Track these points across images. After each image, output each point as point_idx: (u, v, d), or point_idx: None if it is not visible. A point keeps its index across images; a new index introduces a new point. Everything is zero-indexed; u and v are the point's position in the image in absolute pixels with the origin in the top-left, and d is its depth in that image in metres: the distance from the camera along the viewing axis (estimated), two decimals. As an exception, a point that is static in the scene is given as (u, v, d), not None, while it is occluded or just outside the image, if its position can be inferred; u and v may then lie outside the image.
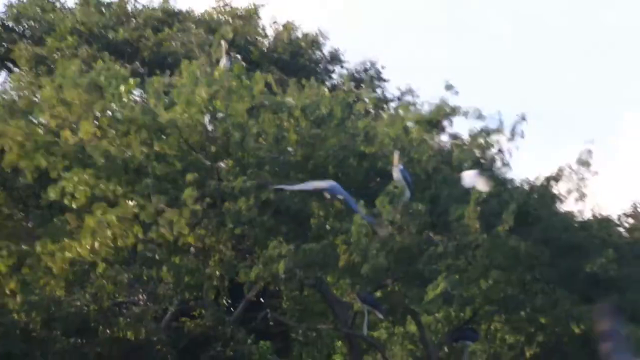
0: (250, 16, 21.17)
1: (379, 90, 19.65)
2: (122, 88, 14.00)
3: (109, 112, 13.77)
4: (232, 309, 16.40)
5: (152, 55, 21.00)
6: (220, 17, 21.66)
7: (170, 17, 22.38)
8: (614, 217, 15.89)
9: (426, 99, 13.92)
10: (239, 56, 19.23)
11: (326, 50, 20.84)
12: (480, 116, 13.77)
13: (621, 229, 16.80)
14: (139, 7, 22.91)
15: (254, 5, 21.37)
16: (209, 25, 21.10)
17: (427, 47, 36.03)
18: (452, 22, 37.06)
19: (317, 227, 12.90)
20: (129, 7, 22.86)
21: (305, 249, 12.30)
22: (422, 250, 12.60)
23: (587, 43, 34.94)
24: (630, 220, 17.15)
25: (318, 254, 12.27)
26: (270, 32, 21.13)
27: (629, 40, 34.88)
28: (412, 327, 15.96)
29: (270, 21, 21.31)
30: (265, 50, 20.47)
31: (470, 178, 12.28)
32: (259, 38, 20.93)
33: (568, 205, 14.18)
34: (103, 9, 22.66)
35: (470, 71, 34.71)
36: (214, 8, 22.07)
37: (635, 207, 17.22)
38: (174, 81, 14.84)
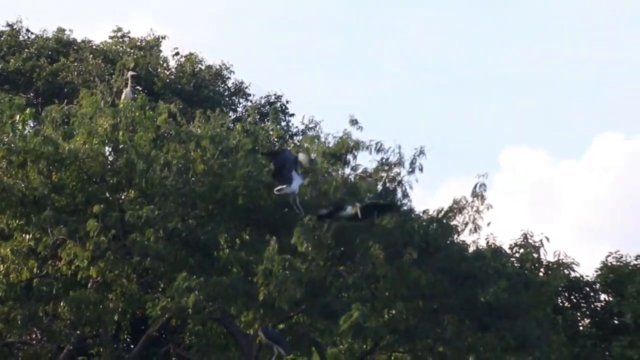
0: (151, 47, 20.96)
1: (283, 123, 19.90)
2: (18, 117, 13.53)
3: (3, 143, 13.26)
4: (132, 345, 15.87)
5: (47, 85, 20.39)
6: (119, 47, 21.33)
7: (65, 47, 21.86)
8: (506, 247, 16.60)
9: (330, 132, 14.20)
10: (139, 87, 18.99)
11: (231, 83, 20.92)
12: (381, 149, 14.14)
13: (512, 259, 17.57)
14: (32, 36, 22.26)
15: (155, 36, 21.20)
16: (107, 55, 20.73)
17: (328, 85, 36.87)
18: (350, 61, 38.12)
19: (225, 260, 12.78)
20: (21, 37, 22.16)
21: (214, 282, 12.14)
22: (329, 282, 12.69)
23: (470, 84, 36.76)
24: (521, 250, 17.95)
25: (228, 287, 12.14)
26: (172, 64, 21.00)
27: (513, 83, 37.00)
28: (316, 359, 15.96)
29: (172, 52, 21.20)
30: (168, 82, 20.29)
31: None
32: (161, 69, 20.74)
33: (463, 236, 14.69)
34: (-8, 39, 21.88)
35: (363, 106, 35.82)
36: (111, 38, 21.73)
37: (525, 238, 18.01)
38: (72, 111, 14.46)
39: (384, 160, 13.94)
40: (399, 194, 14.22)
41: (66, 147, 13.14)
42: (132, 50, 20.78)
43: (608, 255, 18.92)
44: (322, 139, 14.10)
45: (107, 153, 13.67)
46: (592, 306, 18.85)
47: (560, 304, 18.78)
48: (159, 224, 12.47)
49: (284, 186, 12.20)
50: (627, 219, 31.69)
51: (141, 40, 21.13)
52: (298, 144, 14.82)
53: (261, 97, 20.94)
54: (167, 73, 20.56)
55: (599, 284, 18.82)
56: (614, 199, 32.16)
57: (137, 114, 13.54)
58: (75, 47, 21.62)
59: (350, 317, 11.88)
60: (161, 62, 20.76)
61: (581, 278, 18.69)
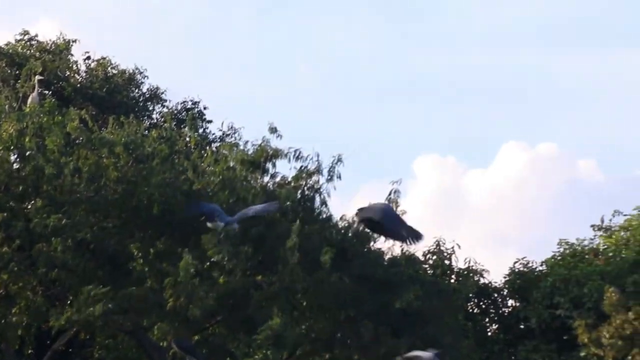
0: (61, 51, 20.20)
1: (201, 130, 19.51)
2: None
3: None
4: (37, 360, 15.22)
5: (-53, 88, 19.32)
6: (26, 51, 20.47)
7: (-33, 49, 20.82)
8: (420, 254, 16.89)
9: (249, 139, 14.10)
10: (47, 92, 18.30)
11: (145, 88, 20.36)
12: (300, 157, 14.15)
13: (425, 266, 17.90)
14: None
15: (65, 40, 20.44)
16: (13, 58, 19.86)
17: (245, 91, 36.51)
18: (266, 67, 37.97)
19: (138, 271, 12.40)
20: None
21: (125, 293, 11.76)
22: (248, 292, 12.54)
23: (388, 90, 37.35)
24: (434, 257, 18.28)
25: (138, 298, 11.79)
26: (83, 68, 20.27)
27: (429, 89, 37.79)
28: (232, 371, 15.75)
29: (82, 56, 20.49)
30: (79, 86, 19.59)
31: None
32: (71, 73, 20.00)
33: (379, 244, 14.85)
34: None
35: (280, 113, 35.75)
36: (18, 41, 20.83)
37: (438, 245, 18.32)
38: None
39: (302, 168, 13.96)
40: (317, 202, 14.27)
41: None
42: (40, 54, 19.96)
43: (516, 262, 19.53)
44: (241, 147, 13.98)
45: (13, 160, 13.09)
46: (500, 312, 19.37)
47: (470, 310, 19.24)
48: (68, 233, 11.99)
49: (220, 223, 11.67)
50: (532, 225, 32.84)
51: (50, 44, 20.35)
52: (216, 150, 14.54)
53: (177, 103, 20.54)
54: (78, 78, 19.84)
55: (506, 290, 19.37)
56: (518, 206, 33.30)
57: (45, 119, 13.02)
58: (-23, 50, 20.63)
59: (269, 328, 11.75)
60: (71, 66, 20.04)
61: (490, 284, 19.21)
